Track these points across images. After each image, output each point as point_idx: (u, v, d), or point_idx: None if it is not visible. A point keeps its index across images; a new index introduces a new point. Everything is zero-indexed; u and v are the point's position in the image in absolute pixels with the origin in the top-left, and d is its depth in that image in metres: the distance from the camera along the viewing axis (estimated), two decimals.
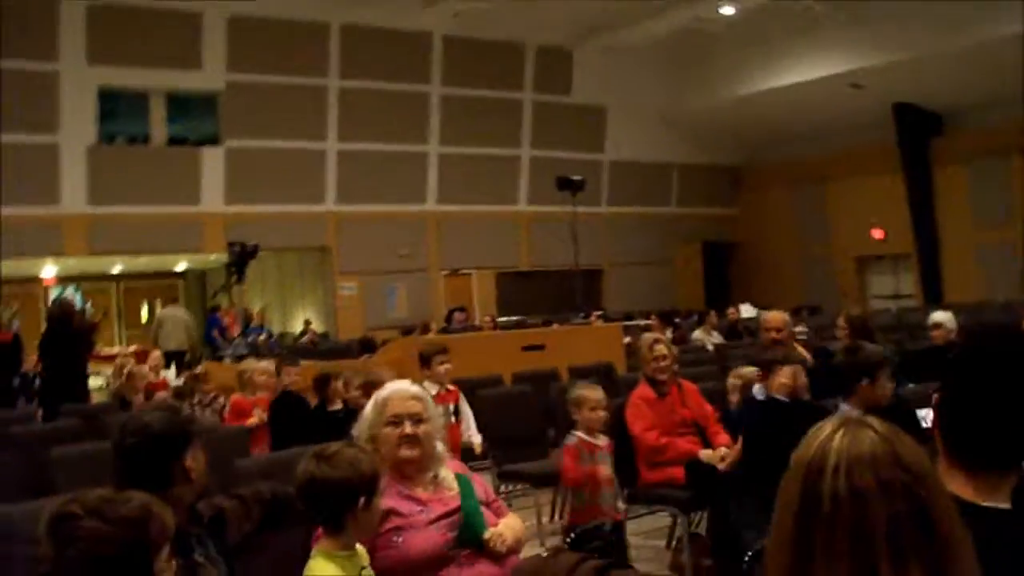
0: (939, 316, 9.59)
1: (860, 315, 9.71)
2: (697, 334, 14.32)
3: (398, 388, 3.79)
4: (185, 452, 3.18)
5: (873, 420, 1.71)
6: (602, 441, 5.78)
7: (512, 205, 24.50)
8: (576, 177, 14.69)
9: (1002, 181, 22.75)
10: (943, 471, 2.14)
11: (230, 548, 3.26)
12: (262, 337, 18.56)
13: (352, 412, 6.81)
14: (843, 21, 20.79)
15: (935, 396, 2.26)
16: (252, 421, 7.78)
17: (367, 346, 12.62)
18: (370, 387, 5.77)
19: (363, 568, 3.11)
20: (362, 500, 3.04)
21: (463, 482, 3.66)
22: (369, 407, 3.78)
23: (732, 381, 6.71)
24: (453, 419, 7.25)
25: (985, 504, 2.08)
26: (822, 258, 26.35)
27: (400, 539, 3.45)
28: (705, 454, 6.39)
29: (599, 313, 20.76)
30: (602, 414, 5.77)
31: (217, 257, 20.76)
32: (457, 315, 19.25)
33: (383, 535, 3.42)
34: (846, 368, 5.37)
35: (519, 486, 7.75)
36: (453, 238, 23.56)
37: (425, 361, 7.41)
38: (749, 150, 27.73)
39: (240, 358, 12.14)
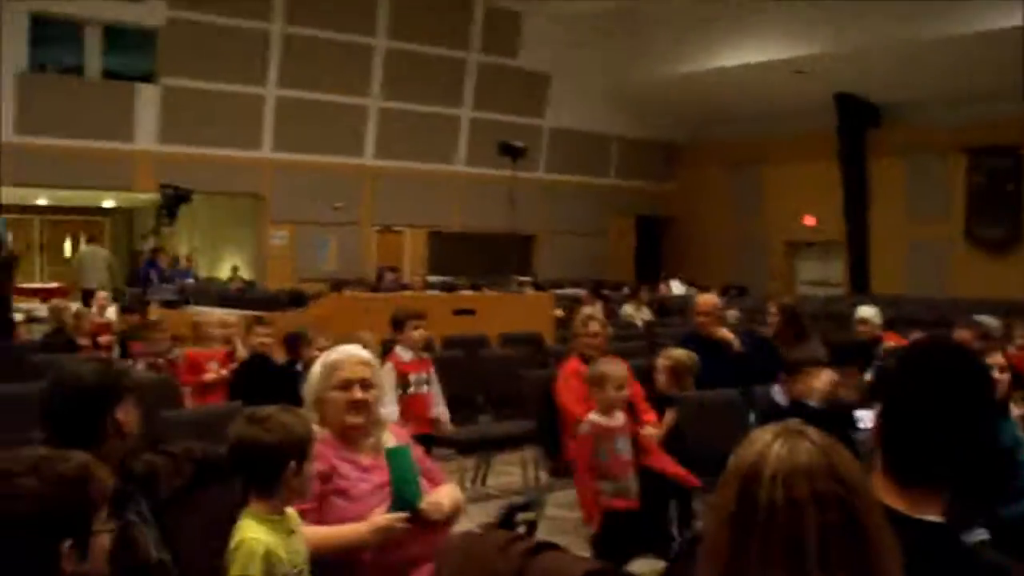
0: (866, 312, 9.64)
1: (792, 304, 9.86)
2: (627, 309, 14.39)
3: (349, 352, 3.76)
4: (117, 406, 3.13)
5: (811, 430, 1.73)
6: (619, 421, 5.53)
7: (449, 165, 24.35)
8: (518, 143, 14.65)
9: (937, 178, 23.10)
10: (878, 483, 2.19)
11: (162, 506, 3.22)
12: (189, 282, 18.29)
13: None
14: (789, 7, 20.90)
15: (877, 408, 2.30)
16: (210, 377, 7.49)
17: (297, 299, 12.51)
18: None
19: (292, 532, 3.09)
20: (293, 465, 3.01)
21: (401, 454, 3.62)
22: (317, 369, 3.75)
23: (662, 362, 6.76)
24: (426, 388, 7.10)
25: (918, 517, 2.11)
26: (754, 240, 26.57)
27: (342, 503, 3.45)
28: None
29: (530, 280, 20.83)
30: (627, 393, 5.56)
31: (147, 197, 20.39)
32: (388, 274, 19.12)
33: (326, 497, 3.42)
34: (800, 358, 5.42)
35: (445, 451, 7.76)
36: (388, 194, 23.36)
37: (398, 325, 7.18)
38: (689, 127, 27.81)
39: (168, 303, 11.96)
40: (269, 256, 22.30)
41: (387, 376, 6.29)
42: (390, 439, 3.75)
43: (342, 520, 3.40)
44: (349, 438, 3.60)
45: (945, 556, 2.03)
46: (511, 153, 14.35)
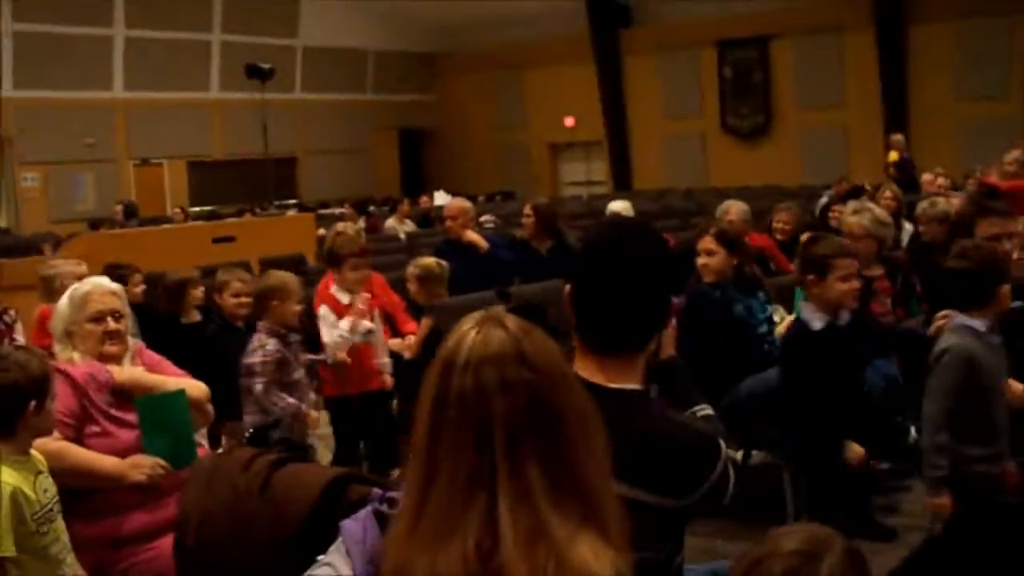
0: (616, 205, 9.75)
1: (546, 203, 10.15)
2: (390, 223, 14.57)
3: (97, 283, 3.81)
4: None
5: (508, 318, 1.79)
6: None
7: (203, 92, 23.68)
8: (265, 65, 14.48)
9: (691, 74, 23.90)
10: (577, 358, 2.32)
11: None
12: None
13: (228, 326, 6.07)
14: None
15: (566, 287, 2.41)
16: None
17: (51, 242, 12.16)
18: (269, 295, 5.25)
19: (39, 472, 3.10)
20: (33, 404, 3.02)
21: (152, 404, 3.60)
22: (65, 303, 3.76)
23: (411, 271, 6.88)
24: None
25: (613, 386, 2.24)
26: (518, 145, 26.95)
27: (100, 429, 3.49)
28: (395, 343, 6.37)
29: (294, 202, 20.70)
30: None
31: None
32: (116, 208, 18.01)
33: (87, 424, 3.47)
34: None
35: None
36: (143, 126, 22.59)
37: (335, 262, 6.05)
38: (446, 36, 27.76)
39: None
40: (22, 200, 21.31)
41: (325, 319, 5.82)
42: (138, 366, 3.81)
43: (106, 445, 3.46)
44: (108, 370, 3.62)
45: (641, 421, 2.10)
46: (259, 75, 14.19)
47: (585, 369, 2.28)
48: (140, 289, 6.58)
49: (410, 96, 28.03)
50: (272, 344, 5.18)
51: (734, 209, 7.98)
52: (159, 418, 3.52)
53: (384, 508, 2.33)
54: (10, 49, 20.43)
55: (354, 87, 26.70)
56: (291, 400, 5.17)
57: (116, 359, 3.68)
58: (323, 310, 5.90)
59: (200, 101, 23.60)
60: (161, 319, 6.49)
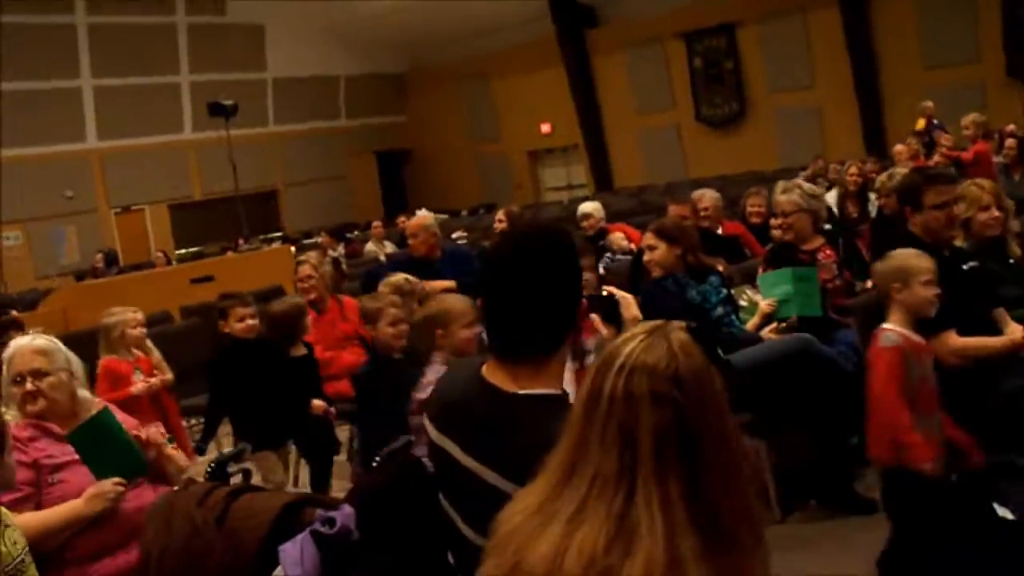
0: (587, 207, 9.73)
1: (515, 210, 10.18)
2: (369, 246, 14.60)
3: (20, 344, 3.81)
4: None
5: (678, 334, 1.79)
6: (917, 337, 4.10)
7: (177, 134, 23.75)
8: (227, 101, 14.48)
9: (660, 68, 23.86)
10: (488, 367, 2.33)
11: None
12: None
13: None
14: None
15: (479, 299, 2.43)
16: (139, 389, 6.08)
17: (32, 303, 12.14)
18: (432, 323, 4.45)
19: (7, 526, 3.01)
20: None
21: (81, 434, 3.60)
22: (4, 366, 3.79)
23: (382, 289, 6.89)
24: None
25: (525, 392, 2.23)
26: (495, 156, 27.00)
27: (57, 478, 3.49)
28: None
29: (279, 235, 20.73)
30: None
31: None
32: (97, 257, 18.05)
33: (43, 482, 3.46)
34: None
35: (193, 420, 7.76)
36: (120, 174, 22.68)
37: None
38: (413, 54, 27.88)
39: None
40: (5, 259, 21.30)
41: None
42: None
43: (62, 494, 3.46)
44: (49, 422, 3.65)
45: (550, 426, 2.07)
46: (222, 112, 14.21)
47: (495, 376, 2.29)
48: (245, 324, 5.93)
49: (384, 118, 28.10)
50: None
51: (707, 197, 8.07)
52: (96, 442, 3.54)
53: (324, 529, 2.35)
54: None
55: (327, 114, 26.77)
56: None
57: (48, 416, 3.66)
58: None
59: (175, 143, 23.64)
60: (267, 353, 5.98)
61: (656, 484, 1.68)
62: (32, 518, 3.38)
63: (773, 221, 6.43)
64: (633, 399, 1.71)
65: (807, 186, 6.04)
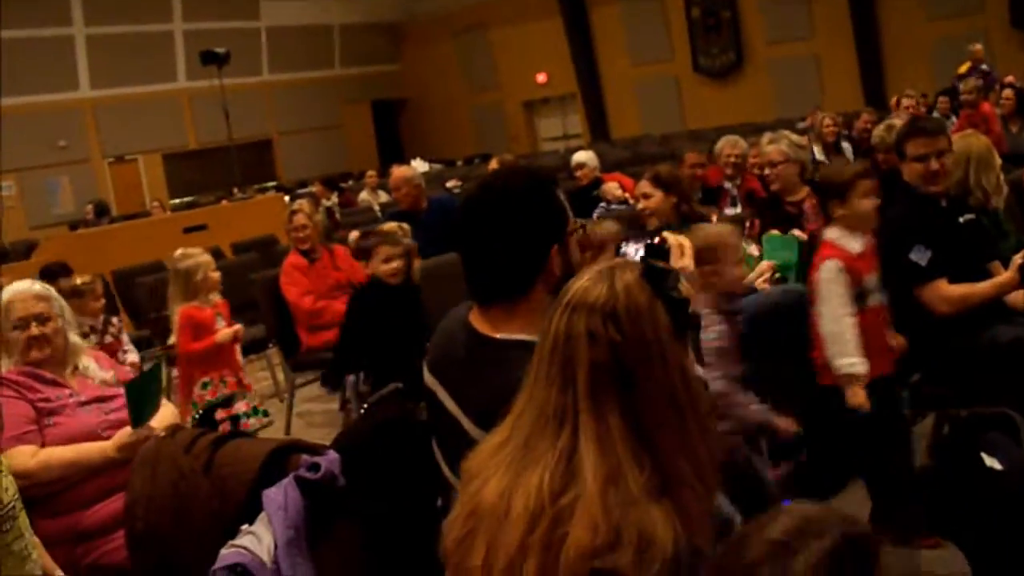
0: (581, 156, 9.74)
1: (512, 158, 10.09)
2: (363, 195, 14.54)
3: (19, 289, 3.77)
4: None
5: (626, 275, 1.79)
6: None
7: (171, 83, 23.49)
8: (220, 49, 14.34)
9: (658, 18, 23.74)
10: (472, 313, 2.35)
11: None
12: None
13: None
14: None
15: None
16: (224, 336, 5.76)
17: (28, 251, 12.10)
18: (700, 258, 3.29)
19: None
20: None
21: (134, 386, 3.61)
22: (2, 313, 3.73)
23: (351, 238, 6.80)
24: None
25: (500, 336, 2.26)
26: (491, 105, 26.88)
27: (52, 420, 3.51)
28: None
29: (273, 184, 20.65)
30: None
31: None
32: (87, 208, 17.87)
33: (43, 427, 3.48)
34: None
35: None
36: (113, 124, 22.49)
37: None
38: (409, 3, 27.66)
39: None
40: None
41: None
42: (91, 363, 3.84)
43: (57, 436, 3.48)
44: (43, 369, 3.65)
45: (519, 370, 2.08)
46: (215, 60, 14.08)
47: (476, 321, 2.32)
48: (391, 266, 5.66)
49: (379, 67, 27.87)
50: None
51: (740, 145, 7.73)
52: (143, 393, 3.58)
53: (309, 475, 2.34)
54: None
55: (322, 63, 26.51)
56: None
57: (48, 362, 3.67)
58: None
59: (168, 92, 23.43)
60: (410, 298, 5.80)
61: (595, 421, 1.70)
62: (67, 451, 3.45)
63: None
64: (572, 337, 1.74)
65: (794, 136, 6.04)
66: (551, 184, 2.44)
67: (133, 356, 6.39)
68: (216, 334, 5.73)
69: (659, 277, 1.77)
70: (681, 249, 2.28)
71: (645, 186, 5.20)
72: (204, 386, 5.64)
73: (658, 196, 5.14)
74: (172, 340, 5.99)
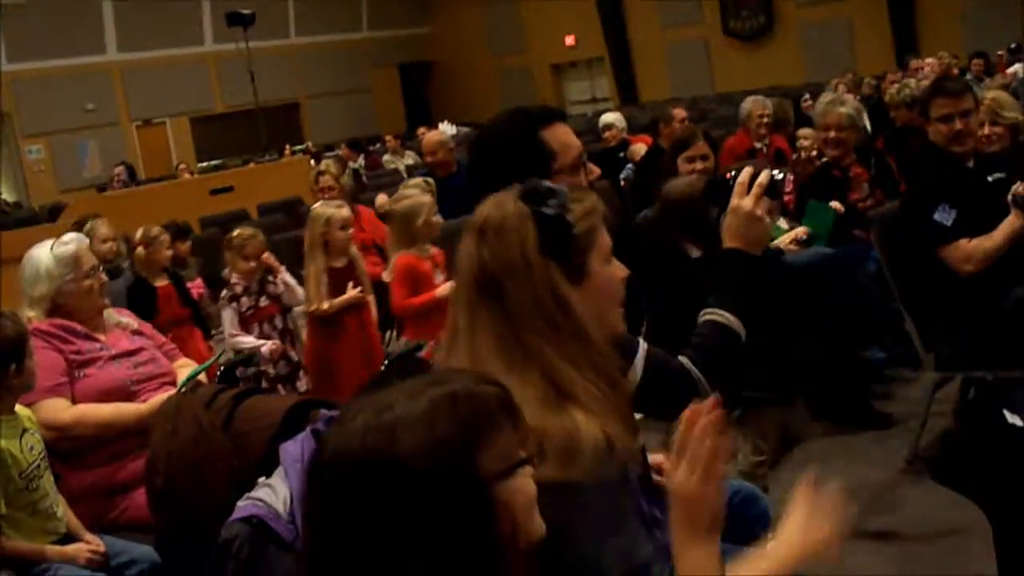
0: (609, 117, 9.87)
1: None
2: (387, 158, 14.54)
3: (80, 239, 3.84)
4: None
5: (511, 201, 1.87)
6: None
7: (198, 46, 23.51)
8: (245, 11, 14.29)
9: None
10: None
11: None
12: None
13: None
14: None
15: None
16: (445, 290, 4.70)
17: (54, 213, 12.12)
18: None
19: (25, 431, 3.14)
20: (13, 367, 3.05)
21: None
22: (50, 264, 3.69)
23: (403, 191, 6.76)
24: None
25: None
26: (518, 69, 26.70)
27: (84, 372, 3.54)
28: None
29: (301, 147, 20.61)
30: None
31: None
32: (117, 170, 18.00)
33: (76, 379, 3.52)
34: None
35: None
36: (141, 87, 22.53)
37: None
38: None
39: None
40: (28, 172, 21.35)
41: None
42: (115, 315, 3.89)
43: (88, 388, 3.52)
44: (82, 320, 3.69)
45: None
46: (240, 22, 14.02)
47: None
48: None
49: (407, 30, 27.74)
50: None
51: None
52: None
53: (325, 429, 2.33)
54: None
55: (350, 26, 26.42)
56: None
57: (98, 309, 3.74)
58: None
59: (196, 55, 23.44)
60: None
61: (469, 313, 1.83)
62: (103, 410, 3.50)
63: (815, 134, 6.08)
64: (460, 258, 1.88)
65: (851, 101, 5.86)
66: (538, 121, 2.41)
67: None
68: (436, 288, 4.97)
69: (537, 196, 1.86)
70: (742, 187, 2.26)
71: (703, 147, 4.88)
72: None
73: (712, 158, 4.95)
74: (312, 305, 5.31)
